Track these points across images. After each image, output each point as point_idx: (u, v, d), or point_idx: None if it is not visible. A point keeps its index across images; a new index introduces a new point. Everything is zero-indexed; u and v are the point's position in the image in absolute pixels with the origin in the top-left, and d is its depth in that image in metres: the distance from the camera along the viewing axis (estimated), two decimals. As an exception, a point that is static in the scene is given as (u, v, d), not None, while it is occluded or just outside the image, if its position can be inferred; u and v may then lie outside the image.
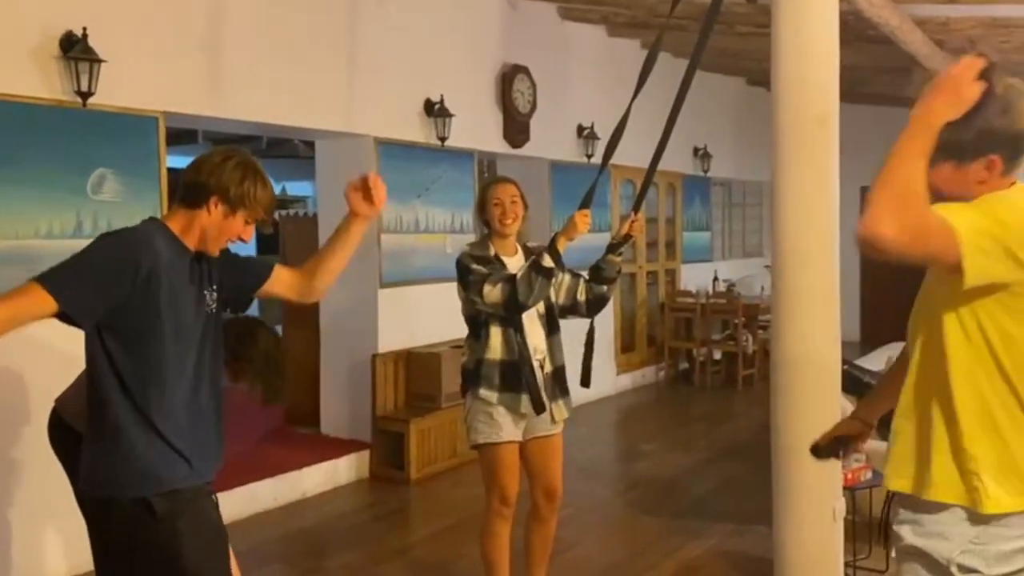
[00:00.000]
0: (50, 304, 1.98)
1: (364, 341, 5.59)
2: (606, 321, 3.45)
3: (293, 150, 9.07)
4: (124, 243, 2.09)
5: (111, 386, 2.07)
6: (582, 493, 5.04)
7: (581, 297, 3.26)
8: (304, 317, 6.15)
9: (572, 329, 3.35)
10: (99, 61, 3.88)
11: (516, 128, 6.64)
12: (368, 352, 5.57)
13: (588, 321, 3.35)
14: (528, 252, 3.27)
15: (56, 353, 2.92)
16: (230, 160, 2.13)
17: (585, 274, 3.29)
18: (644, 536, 4.44)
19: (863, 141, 9.97)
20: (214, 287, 2.25)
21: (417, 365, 5.68)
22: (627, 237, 3.28)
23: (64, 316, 2.02)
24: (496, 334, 3.11)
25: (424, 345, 5.80)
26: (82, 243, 3.79)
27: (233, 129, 6.59)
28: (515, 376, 3.10)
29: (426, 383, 5.63)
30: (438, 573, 4.00)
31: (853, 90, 8.57)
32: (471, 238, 6.34)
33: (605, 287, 3.27)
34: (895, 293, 13.14)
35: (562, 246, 3.04)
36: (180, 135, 8.05)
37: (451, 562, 4.11)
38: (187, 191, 2.13)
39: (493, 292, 3.04)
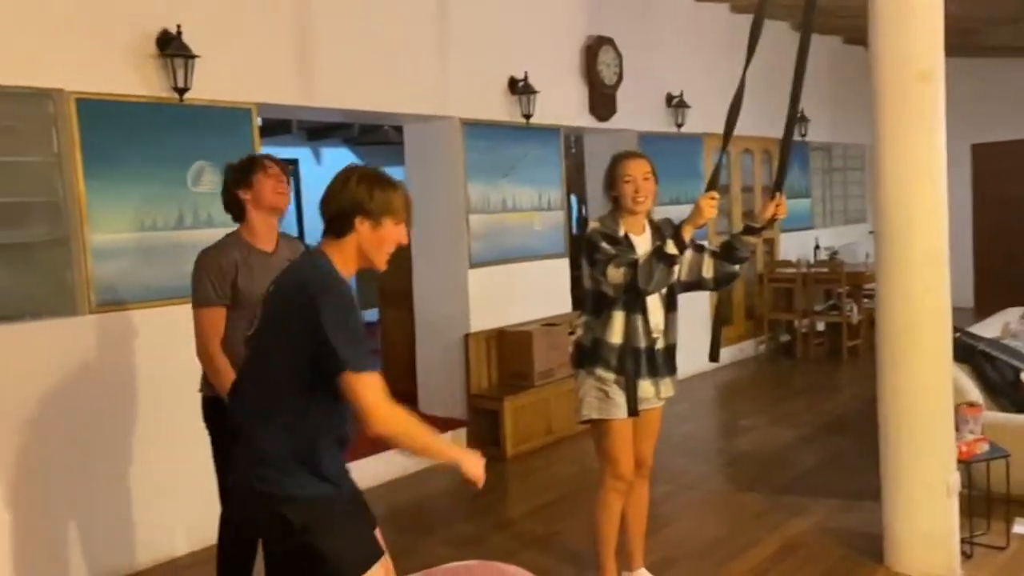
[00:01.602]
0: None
1: (456, 321, 5.64)
2: (702, 294, 3.37)
3: (384, 136, 9.22)
4: (347, 287, 2.17)
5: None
6: (681, 469, 4.98)
7: (708, 274, 3.15)
8: (399, 299, 6.27)
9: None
10: (193, 57, 4.01)
11: (602, 101, 6.54)
12: (461, 332, 5.62)
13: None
14: (655, 228, 3.19)
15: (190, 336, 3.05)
16: (351, 179, 2.20)
17: (708, 244, 3.19)
18: (745, 512, 4.35)
19: (974, 96, 9.48)
20: None
21: (509, 344, 5.71)
22: (771, 220, 3.16)
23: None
24: (619, 317, 3.07)
25: (515, 324, 5.81)
26: (185, 235, 4.05)
27: (325, 118, 6.73)
28: (635, 360, 3.08)
29: (519, 361, 5.65)
30: (544, 545, 4.04)
31: (962, 43, 8.10)
32: (559, 216, 6.35)
33: (737, 266, 3.16)
34: (1011, 256, 12.41)
35: (688, 234, 2.94)
36: (275, 126, 8.26)
37: (553, 536, 4.14)
38: (331, 225, 2.22)
39: (616, 274, 2.98)
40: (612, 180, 3.14)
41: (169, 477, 4.00)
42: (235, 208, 3.07)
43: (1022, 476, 3.85)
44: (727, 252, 3.14)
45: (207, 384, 3.02)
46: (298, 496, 2.14)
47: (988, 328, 5.12)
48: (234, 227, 3.09)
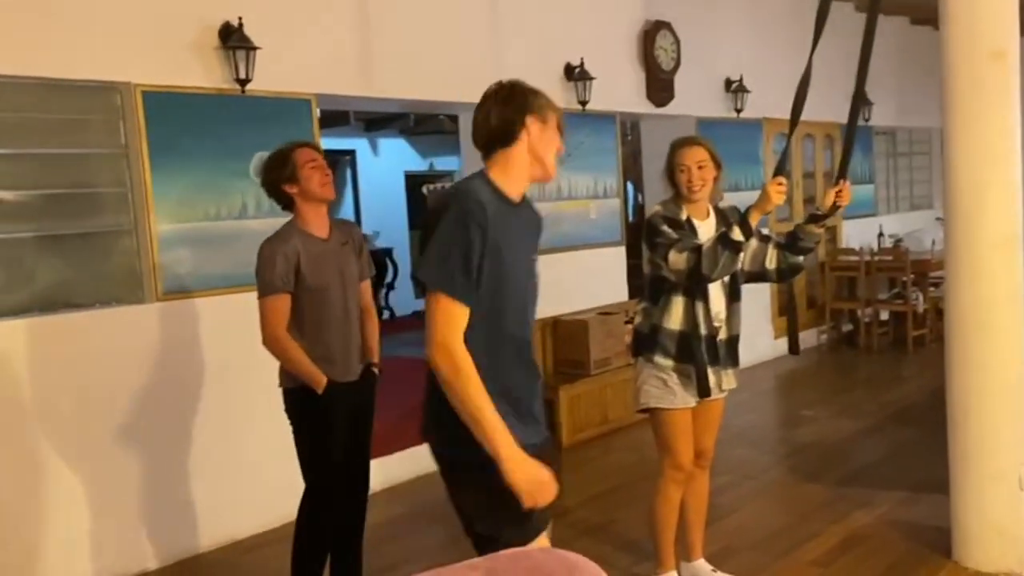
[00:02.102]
0: (463, 311, 1.97)
1: (513, 309, 5.64)
2: (764, 284, 3.33)
3: (439, 126, 9.25)
4: (469, 212, 2.02)
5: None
6: (741, 460, 4.92)
7: (771, 265, 3.08)
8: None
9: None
10: (254, 48, 4.07)
11: (659, 86, 6.46)
12: (517, 320, 5.61)
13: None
14: (719, 214, 3.14)
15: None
16: (503, 94, 2.14)
17: (769, 233, 3.12)
18: (807, 503, 4.27)
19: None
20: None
21: (564, 332, 5.69)
22: (834, 207, 3.07)
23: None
24: (678, 303, 3.02)
25: (571, 312, 5.79)
26: (247, 224, 4.13)
27: (383, 108, 6.79)
28: (694, 348, 3.03)
29: (574, 350, 5.63)
30: (600, 534, 4.02)
31: (1036, 20, 7.79)
32: (615, 203, 6.29)
33: (801, 257, 3.09)
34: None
35: (754, 220, 2.87)
36: (333, 117, 8.36)
37: (610, 525, 4.13)
38: (498, 136, 2.13)
39: (679, 259, 2.92)
40: (670, 168, 3.11)
41: (232, 461, 4.09)
42: (283, 200, 3.06)
43: (1100, 470, 3.71)
44: (792, 243, 3.07)
45: (287, 376, 3.03)
46: (453, 435, 2.00)
47: (1064, 317, 4.92)
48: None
